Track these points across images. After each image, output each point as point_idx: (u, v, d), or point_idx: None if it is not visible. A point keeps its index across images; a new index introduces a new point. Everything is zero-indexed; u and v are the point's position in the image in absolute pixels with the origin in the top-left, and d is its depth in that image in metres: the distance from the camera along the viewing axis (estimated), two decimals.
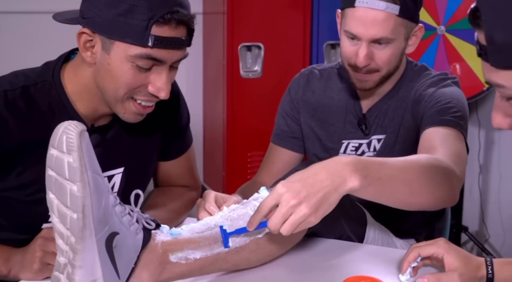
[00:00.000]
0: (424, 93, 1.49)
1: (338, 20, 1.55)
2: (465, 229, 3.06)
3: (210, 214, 1.29)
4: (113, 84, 1.21)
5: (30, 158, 1.25)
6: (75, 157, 0.91)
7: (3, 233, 1.30)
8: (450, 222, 1.81)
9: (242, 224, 1.12)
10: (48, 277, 1.11)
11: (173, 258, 1.05)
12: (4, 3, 2.84)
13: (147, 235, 1.04)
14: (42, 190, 1.21)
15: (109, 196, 0.98)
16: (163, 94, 1.21)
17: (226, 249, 1.10)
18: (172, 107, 1.48)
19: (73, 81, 1.28)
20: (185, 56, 1.26)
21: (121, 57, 1.18)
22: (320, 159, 1.58)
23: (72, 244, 0.93)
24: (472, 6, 0.82)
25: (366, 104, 1.60)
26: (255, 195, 1.20)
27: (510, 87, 0.80)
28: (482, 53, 0.82)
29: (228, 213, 1.16)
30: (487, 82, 0.85)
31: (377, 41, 1.45)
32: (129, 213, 1.02)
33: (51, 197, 0.95)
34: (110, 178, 1.36)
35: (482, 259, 1.14)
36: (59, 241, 0.95)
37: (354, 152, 1.59)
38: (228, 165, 2.98)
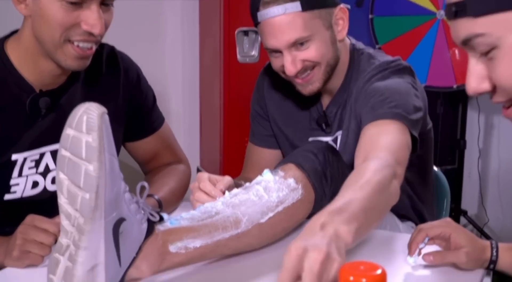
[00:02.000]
0: (362, 90, 1.43)
1: None
2: (464, 213, 3.08)
3: (207, 194, 1.29)
4: (48, 28, 1.23)
5: None
6: (94, 136, 0.91)
7: None
8: (450, 206, 1.82)
9: (244, 209, 1.13)
10: (30, 265, 1.12)
11: (172, 248, 1.05)
12: None
13: (150, 226, 1.04)
14: None
15: (122, 183, 0.98)
16: (97, 30, 1.23)
17: (228, 235, 1.10)
18: (133, 88, 1.50)
19: (16, 48, 1.30)
20: None
21: None
22: None
23: (80, 225, 0.93)
24: None
25: (325, 101, 1.57)
26: (258, 178, 1.20)
27: (489, 33, 0.79)
28: (458, 10, 0.82)
29: (229, 198, 1.16)
30: (462, 43, 0.83)
31: (296, 44, 1.40)
32: (136, 202, 1.02)
33: (61, 177, 0.94)
34: None
35: (488, 242, 1.15)
36: (65, 222, 0.95)
37: None
38: (225, 150, 2.97)
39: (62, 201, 0.95)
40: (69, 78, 1.35)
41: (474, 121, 3.18)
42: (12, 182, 1.29)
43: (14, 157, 1.29)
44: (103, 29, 1.25)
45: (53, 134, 1.26)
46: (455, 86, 2.76)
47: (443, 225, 1.16)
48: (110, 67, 1.45)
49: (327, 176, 1.24)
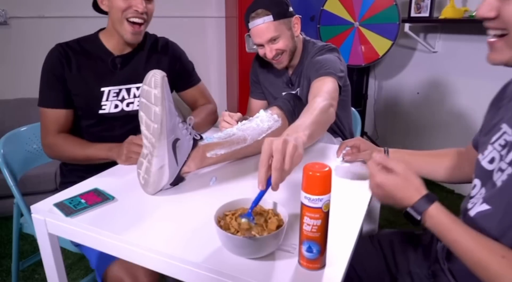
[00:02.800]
0: (309, 62, 1.33)
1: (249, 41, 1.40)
2: (365, 133, 3.01)
3: (228, 123, 1.21)
4: (114, 12, 1.16)
5: (80, 74, 1.20)
6: (159, 90, 0.83)
7: (93, 129, 1.24)
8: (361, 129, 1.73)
9: (248, 132, 1.04)
10: (130, 164, 1.05)
11: (208, 154, 0.97)
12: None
13: (195, 142, 0.96)
14: (90, 90, 1.20)
15: (176, 117, 0.89)
16: (140, 8, 1.15)
17: (239, 147, 1.01)
18: (177, 61, 1.36)
19: (104, 34, 1.24)
20: None
21: None
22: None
23: (152, 143, 0.85)
24: None
25: (290, 71, 1.45)
26: (257, 114, 1.11)
27: None
28: None
29: (240, 126, 1.07)
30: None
31: (271, 40, 1.29)
32: (186, 128, 0.93)
33: (141, 114, 0.86)
34: (138, 88, 1.25)
35: (382, 148, 1.07)
36: (145, 141, 0.87)
37: None
38: (240, 100, 2.88)
39: (142, 128, 0.86)
40: (134, 49, 1.26)
41: (372, 84, 3.07)
42: (102, 103, 1.22)
43: (102, 89, 1.22)
44: (145, 9, 1.16)
45: (126, 79, 1.22)
46: (363, 64, 2.63)
47: (356, 139, 1.09)
48: (163, 48, 1.33)
49: (295, 112, 1.14)
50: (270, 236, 0.64)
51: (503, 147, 0.72)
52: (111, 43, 1.23)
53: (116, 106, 1.23)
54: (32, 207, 0.81)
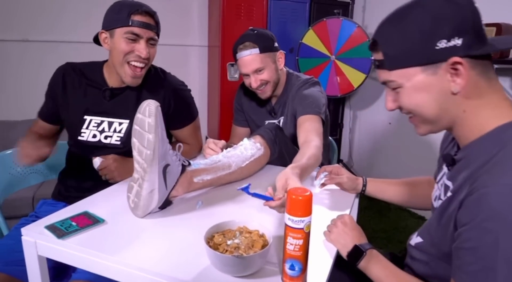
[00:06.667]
0: (295, 94, 1.41)
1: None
2: (341, 160, 3.12)
3: (213, 150, 1.25)
4: (116, 54, 1.17)
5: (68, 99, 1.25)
6: (152, 119, 0.87)
7: (74, 149, 1.28)
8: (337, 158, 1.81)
9: (233, 159, 1.10)
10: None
11: (195, 179, 1.02)
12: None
13: (183, 168, 1.00)
14: (73, 115, 1.25)
15: (167, 144, 0.94)
16: (143, 53, 1.16)
17: (224, 173, 1.07)
18: (178, 101, 1.32)
19: (107, 67, 1.26)
20: (154, 39, 1.19)
21: (118, 36, 1.16)
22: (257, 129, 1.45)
23: (144, 168, 0.89)
24: (371, 39, 0.74)
25: (273, 101, 1.52)
26: (241, 142, 1.17)
27: (397, 80, 0.71)
28: (380, 65, 0.72)
29: (225, 153, 1.13)
30: (382, 83, 0.74)
31: (256, 71, 1.36)
32: (175, 154, 0.98)
33: (134, 140, 0.90)
34: (120, 124, 1.24)
35: (361, 177, 1.13)
36: (136, 165, 0.91)
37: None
38: (220, 127, 2.94)
39: (135, 154, 0.91)
40: (128, 86, 1.27)
41: (347, 113, 3.21)
42: (82, 130, 1.25)
43: (85, 117, 1.25)
44: (147, 55, 1.18)
45: (111, 112, 1.24)
46: (339, 95, 2.77)
47: (334, 166, 1.16)
48: (158, 87, 1.31)
49: (276, 141, 1.22)
50: (256, 255, 0.70)
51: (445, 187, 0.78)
52: (109, 76, 1.25)
53: (94, 136, 1.25)
54: (23, 229, 0.83)
